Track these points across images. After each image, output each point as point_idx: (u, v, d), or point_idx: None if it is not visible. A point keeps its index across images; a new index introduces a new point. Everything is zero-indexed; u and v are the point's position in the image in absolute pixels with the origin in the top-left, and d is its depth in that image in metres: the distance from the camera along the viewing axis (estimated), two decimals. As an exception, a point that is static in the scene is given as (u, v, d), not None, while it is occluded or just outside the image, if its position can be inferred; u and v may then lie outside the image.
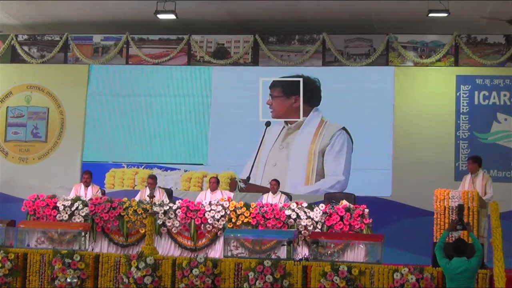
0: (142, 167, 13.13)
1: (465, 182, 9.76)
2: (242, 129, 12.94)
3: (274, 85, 12.98)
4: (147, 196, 9.82)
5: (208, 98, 13.16)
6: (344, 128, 12.62)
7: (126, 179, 13.11)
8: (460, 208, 8.28)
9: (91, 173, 11.11)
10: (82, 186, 10.89)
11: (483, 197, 9.18)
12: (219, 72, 13.18)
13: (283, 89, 12.97)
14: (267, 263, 8.12)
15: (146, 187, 10.95)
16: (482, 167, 9.78)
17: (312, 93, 12.83)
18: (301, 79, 12.83)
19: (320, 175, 12.59)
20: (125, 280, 8.34)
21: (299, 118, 12.78)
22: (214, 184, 10.78)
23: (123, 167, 13.20)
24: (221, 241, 9.48)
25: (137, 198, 10.34)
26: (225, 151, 12.93)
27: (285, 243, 8.72)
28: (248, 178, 12.79)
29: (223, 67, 13.13)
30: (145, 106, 13.35)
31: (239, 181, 12.80)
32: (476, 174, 9.65)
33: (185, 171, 13.02)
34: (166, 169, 13.10)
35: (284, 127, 12.87)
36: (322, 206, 9.48)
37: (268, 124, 12.90)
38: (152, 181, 10.75)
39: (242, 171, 12.82)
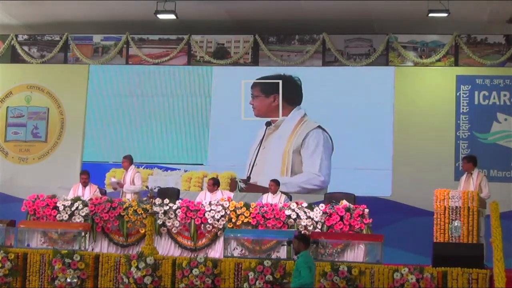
0: (142, 167, 13.12)
1: (461, 182, 9.81)
2: (242, 129, 12.93)
3: (255, 84, 13.03)
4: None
5: (208, 98, 13.16)
6: (320, 127, 12.65)
7: (127, 179, 13.11)
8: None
9: (89, 173, 11.10)
10: (80, 186, 10.87)
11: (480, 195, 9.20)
12: (219, 72, 13.18)
13: (263, 88, 13.00)
14: (267, 263, 8.12)
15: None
16: (480, 167, 9.82)
17: (293, 92, 12.86)
18: (280, 81, 12.86)
19: (296, 173, 12.63)
20: (125, 280, 8.34)
21: (278, 116, 12.82)
22: (211, 186, 10.71)
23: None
24: (221, 241, 9.49)
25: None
26: (225, 151, 12.92)
27: (285, 243, 8.72)
28: (248, 178, 12.79)
29: (223, 67, 13.14)
30: (145, 106, 13.36)
31: (239, 181, 12.79)
32: (472, 173, 9.69)
33: (185, 171, 13.02)
34: (166, 169, 13.10)
35: (266, 128, 12.90)
36: (322, 206, 9.48)
37: (268, 124, 12.90)
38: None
39: (242, 171, 12.82)
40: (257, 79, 13.01)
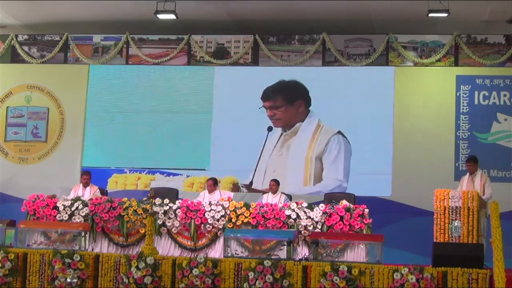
0: (145, 172, 13.09)
1: (463, 182, 9.83)
2: (245, 134, 12.88)
3: (276, 94, 12.88)
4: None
5: (210, 102, 13.07)
6: (340, 132, 12.60)
7: (129, 184, 13.05)
8: None
9: (90, 173, 11.12)
10: (81, 186, 10.92)
11: (482, 197, 9.20)
12: (221, 74, 13.12)
13: (287, 97, 12.90)
14: (267, 263, 8.11)
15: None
16: (480, 167, 9.87)
17: (304, 96, 12.83)
18: (299, 84, 12.84)
19: (318, 179, 12.55)
20: (125, 280, 8.33)
21: (299, 123, 12.79)
22: (211, 187, 10.71)
23: (126, 172, 13.17)
24: (221, 241, 9.49)
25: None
26: (227, 156, 12.85)
27: (285, 243, 8.71)
28: (251, 183, 12.72)
29: (225, 67, 13.08)
30: (146, 107, 13.30)
31: (242, 186, 12.75)
32: (475, 174, 9.70)
33: (188, 176, 12.95)
34: (169, 174, 13.04)
35: (282, 133, 12.85)
36: (322, 206, 9.48)
37: (270, 129, 12.86)
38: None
39: (245, 176, 12.76)
40: (264, 92, 12.87)
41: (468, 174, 9.92)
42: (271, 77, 12.97)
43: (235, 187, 12.69)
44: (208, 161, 12.96)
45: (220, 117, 13.05)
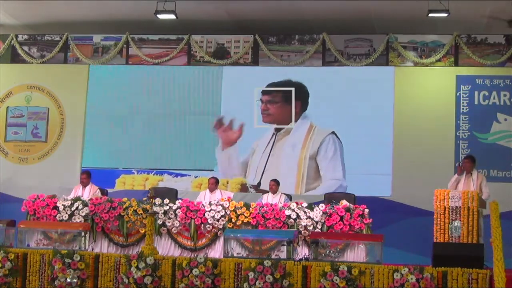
0: (153, 173, 13.07)
1: (458, 183, 9.79)
2: (253, 134, 12.87)
3: (273, 90, 12.91)
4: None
5: (218, 102, 13.05)
6: (333, 133, 12.60)
7: (137, 185, 13.03)
8: None
9: (89, 173, 11.12)
10: (81, 186, 10.92)
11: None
12: (228, 74, 13.09)
13: (285, 95, 12.89)
14: (267, 263, 8.11)
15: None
16: (480, 167, 9.88)
17: (303, 99, 12.83)
18: (293, 88, 12.82)
19: (313, 179, 12.54)
20: (125, 280, 8.33)
21: (290, 123, 12.77)
22: (213, 185, 10.75)
23: (133, 173, 13.15)
24: (221, 241, 9.49)
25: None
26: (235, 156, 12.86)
27: (285, 243, 8.72)
28: (259, 184, 12.70)
29: (232, 67, 13.07)
30: (149, 107, 13.30)
31: (250, 187, 12.74)
32: (471, 173, 9.70)
33: (195, 177, 12.93)
34: (177, 175, 13.03)
35: (274, 133, 12.85)
36: (322, 206, 9.48)
37: (278, 129, 12.87)
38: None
39: (253, 176, 12.75)
40: (267, 86, 12.89)
41: (464, 173, 9.91)
42: (273, 77, 12.96)
43: (244, 188, 12.70)
44: (216, 162, 12.94)
45: (228, 118, 13.01)
